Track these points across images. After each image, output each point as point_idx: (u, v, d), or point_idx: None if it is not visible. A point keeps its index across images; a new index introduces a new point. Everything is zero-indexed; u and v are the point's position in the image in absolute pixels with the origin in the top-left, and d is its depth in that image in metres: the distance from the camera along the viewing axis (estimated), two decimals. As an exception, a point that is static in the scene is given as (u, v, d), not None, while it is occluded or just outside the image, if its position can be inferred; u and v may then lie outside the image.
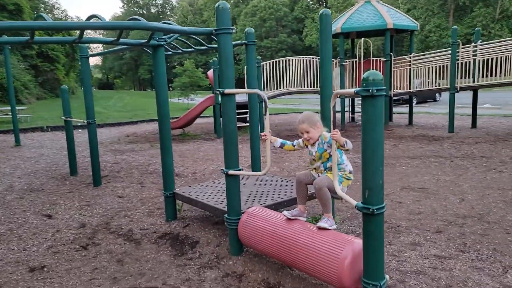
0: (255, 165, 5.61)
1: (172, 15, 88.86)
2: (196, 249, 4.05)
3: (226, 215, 3.81)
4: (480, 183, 6.08)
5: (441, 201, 5.27)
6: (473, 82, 11.21)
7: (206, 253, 3.94)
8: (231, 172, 3.66)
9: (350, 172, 3.36)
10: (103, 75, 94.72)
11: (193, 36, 5.34)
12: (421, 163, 7.59)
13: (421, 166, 7.36)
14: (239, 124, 12.76)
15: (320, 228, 3.10)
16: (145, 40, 4.27)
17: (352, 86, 12.95)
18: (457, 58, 10.89)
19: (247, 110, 13.34)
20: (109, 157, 9.45)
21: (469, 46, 11.24)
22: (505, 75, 10.42)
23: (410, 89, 12.55)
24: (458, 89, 11.09)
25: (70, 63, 38.70)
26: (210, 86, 28.89)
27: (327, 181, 3.22)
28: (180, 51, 5.66)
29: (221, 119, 12.98)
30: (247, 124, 13.44)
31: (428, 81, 11.95)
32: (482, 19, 45.56)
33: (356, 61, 12.86)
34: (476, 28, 12.23)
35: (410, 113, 13.62)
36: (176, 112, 23.04)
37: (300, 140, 3.50)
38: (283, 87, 12.61)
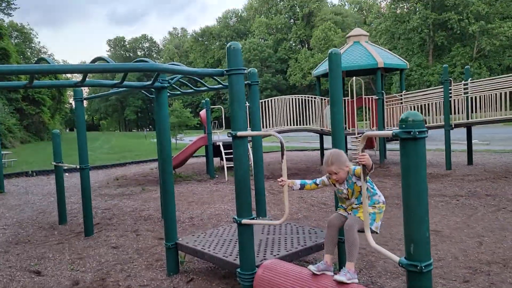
0: (261, 210, 5.29)
1: (159, 57, 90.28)
2: (204, 308, 3.65)
3: (238, 269, 3.45)
4: (493, 224, 5.84)
5: (458, 245, 4.99)
6: (467, 119, 11.26)
7: (216, 313, 3.54)
8: (244, 221, 3.34)
9: (384, 203, 3.19)
10: (89, 116, 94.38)
11: (194, 77, 5.17)
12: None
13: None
14: (229, 164, 12.54)
15: (337, 282, 2.81)
16: (149, 82, 4.04)
17: (346, 123, 12.89)
18: (449, 95, 10.98)
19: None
20: (99, 203, 8.98)
21: (460, 84, 11.38)
22: (501, 111, 10.49)
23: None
24: (453, 126, 11.09)
25: (56, 105, 38.42)
26: (198, 125, 28.88)
27: (358, 223, 3.01)
28: (179, 92, 5.45)
29: (222, 161, 12.58)
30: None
31: (425, 119, 11.97)
32: (460, 58, 47.33)
33: (347, 99, 12.89)
34: (466, 67, 12.46)
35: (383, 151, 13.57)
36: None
37: (325, 178, 3.33)
38: (272, 126, 12.49)
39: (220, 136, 13.70)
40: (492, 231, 5.47)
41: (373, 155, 14.76)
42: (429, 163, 13.00)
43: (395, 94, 12.90)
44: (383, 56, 12.57)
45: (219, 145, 11.98)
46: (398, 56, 13.74)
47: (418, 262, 2.20)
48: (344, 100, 12.82)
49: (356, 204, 3.17)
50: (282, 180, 3.17)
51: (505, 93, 10.51)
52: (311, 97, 12.88)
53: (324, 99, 12.91)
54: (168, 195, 4.38)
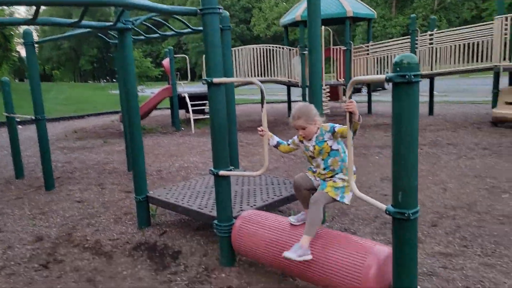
0: (234, 162, 5.16)
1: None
2: (179, 260, 3.57)
3: (215, 222, 3.36)
4: (456, 171, 6.05)
5: (424, 192, 5.14)
6: (431, 70, 11.41)
7: (192, 265, 3.47)
8: (222, 172, 3.20)
9: (354, 173, 2.93)
10: (40, 66, 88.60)
11: (159, 20, 4.78)
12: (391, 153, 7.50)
13: (388, 156, 7.26)
14: (196, 117, 12.23)
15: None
16: (111, 23, 3.65)
17: (312, 75, 12.76)
18: (416, 46, 11.01)
19: (206, 102, 12.83)
20: (59, 156, 8.55)
21: (426, 34, 11.40)
22: (460, 63, 10.68)
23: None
24: (360, 89, 11.22)
25: (2, 53, 35.55)
26: (160, 76, 27.74)
27: (326, 198, 2.83)
28: (143, 37, 5.02)
29: (187, 113, 12.22)
30: (206, 116, 12.91)
31: (387, 70, 12.03)
32: (422, 9, 47.62)
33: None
34: (432, 17, 12.46)
35: (369, 101, 13.71)
36: (125, 104, 21.86)
37: (295, 137, 3.05)
38: (239, 77, 12.17)
39: (185, 88, 13.23)
40: (455, 178, 5.67)
41: (338, 107, 14.86)
42: (383, 113, 13.26)
43: (361, 45, 12.80)
44: (352, 5, 12.30)
45: (184, 97, 11.58)
46: (366, 5, 13.51)
47: (406, 210, 2.16)
48: (311, 50, 12.61)
49: (324, 170, 2.90)
50: (262, 130, 3.02)
51: (464, 44, 10.66)
52: (278, 47, 12.55)
53: (292, 50, 12.61)
54: (137, 147, 4.14)
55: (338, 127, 2.84)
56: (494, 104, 9.77)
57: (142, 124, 10.61)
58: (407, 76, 2.03)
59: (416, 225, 2.22)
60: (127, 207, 5.06)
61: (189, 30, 4.48)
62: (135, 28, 4.42)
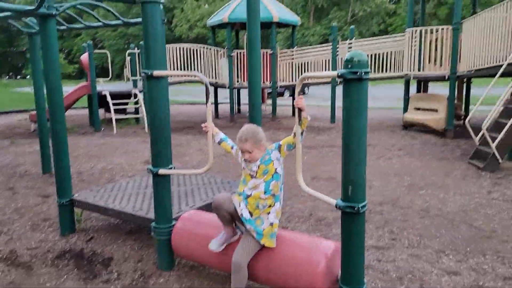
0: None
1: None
2: (111, 267, 3.31)
3: (153, 224, 3.17)
4: (378, 170, 6.45)
5: (352, 190, 5.38)
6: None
7: (126, 271, 3.23)
8: (162, 171, 3.03)
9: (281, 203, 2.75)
10: None
11: (85, 8, 4.43)
12: (318, 153, 7.80)
13: (320, 156, 7.55)
14: (118, 116, 11.60)
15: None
16: (32, 7, 3.28)
17: (238, 77, 12.82)
18: (337, 53, 11.60)
19: (127, 101, 12.24)
20: (-43, 158, 7.53)
21: (345, 43, 12.06)
22: (375, 71, 11.47)
23: (293, 81, 12.97)
24: (339, 83, 11.81)
25: None
26: (73, 74, 25.91)
27: (253, 252, 2.57)
28: (81, 25, 4.58)
29: (107, 112, 11.50)
30: (128, 116, 12.30)
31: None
32: (337, 21, 50.63)
33: (242, 52, 12.75)
34: (351, 27, 13.20)
35: (294, 105, 14.12)
36: (32, 103, 20.04)
37: (240, 152, 2.74)
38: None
39: (104, 86, 12.47)
40: (378, 176, 6.04)
41: (264, 110, 15.09)
42: (314, 118, 13.82)
43: (286, 50, 13.15)
44: (278, 10, 12.58)
45: (105, 95, 10.90)
46: (291, 12, 13.92)
47: (356, 203, 2.21)
48: (237, 53, 12.67)
49: (264, 195, 2.59)
50: (206, 126, 2.91)
51: (380, 54, 11.49)
52: (204, 48, 12.41)
53: (219, 51, 12.55)
54: (61, 146, 3.77)
55: (278, 144, 2.70)
56: (405, 109, 10.62)
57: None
58: (358, 73, 2.08)
59: (363, 218, 2.29)
60: (45, 213, 4.59)
61: (132, 21, 4.20)
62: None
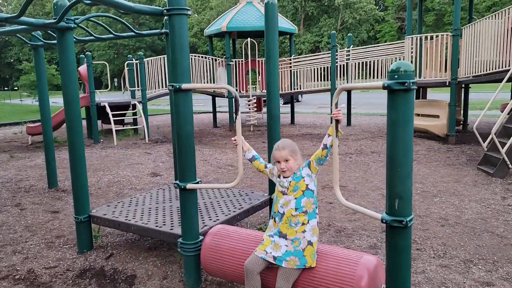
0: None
1: (5, 4, 76.81)
2: (136, 286, 3.21)
3: (180, 240, 3.08)
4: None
5: (365, 198, 5.36)
6: (347, 82, 12.14)
7: (152, 289, 3.14)
8: (190, 186, 2.95)
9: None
10: None
11: (97, 21, 4.37)
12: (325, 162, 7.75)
13: (326, 164, 7.50)
14: (117, 127, 11.48)
15: None
16: (52, 20, 3.20)
17: (236, 86, 12.79)
18: (336, 60, 11.65)
19: (126, 112, 12.12)
20: (-44, 174, 7.34)
21: (343, 50, 12.14)
22: (375, 77, 11.53)
23: (291, 89, 12.99)
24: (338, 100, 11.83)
25: None
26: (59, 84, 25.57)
27: (293, 276, 2.47)
28: (92, 38, 4.49)
29: (103, 124, 11.43)
30: (126, 128, 12.18)
31: (308, 84, 12.55)
32: (327, 28, 51.10)
33: (240, 61, 12.74)
34: (348, 34, 13.31)
35: (292, 113, 14.14)
36: (24, 114, 19.85)
37: (275, 168, 2.72)
38: (155, 88, 11.76)
39: (102, 97, 12.34)
40: (389, 185, 6.00)
41: (261, 118, 15.07)
42: (313, 125, 13.84)
43: (284, 58, 13.18)
44: (274, 19, 12.62)
45: (104, 106, 10.77)
46: (288, 21, 13.98)
47: (403, 217, 2.16)
48: (236, 62, 12.66)
49: (295, 211, 2.53)
50: (236, 139, 2.85)
51: (378, 61, 11.57)
52: (203, 57, 12.38)
53: (216, 60, 12.53)
54: (78, 160, 3.68)
55: (308, 162, 2.67)
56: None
57: (54, 135, 9.77)
58: (406, 84, 2.04)
59: (410, 232, 2.23)
60: (57, 229, 4.47)
61: (154, 32, 4.15)
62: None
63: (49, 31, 4.56)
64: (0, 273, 3.44)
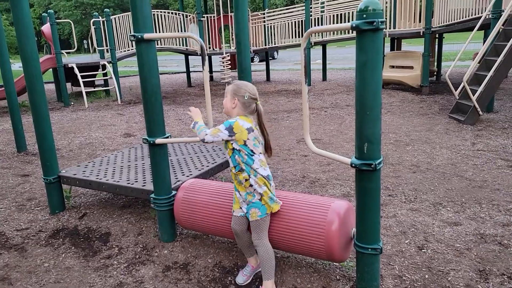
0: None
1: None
2: (111, 243, 3.19)
3: (152, 195, 3.05)
4: (362, 129, 6.48)
5: (339, 150, 5.41)
6: (322, 37, 11.96)
7: (127, 246, 3.13)
8: (159, 140, 2.88)
9: (270, 179, 2.46)
10: None
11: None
12: (300, 116, 7.75)
13: (301, 119, 7.50)
14: (87, 90, 11.09)
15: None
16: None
17: (209, 43, 12.44)
18: (310, 14, 11.38)
19: (96, 73, 11.69)
20: None
21: (318, 2, 11.84)
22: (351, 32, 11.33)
23: (266, 45, 12.73)
24: (313, 44, 11.67)
25: None
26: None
27: (265, 225, 2.46)
28: None
29: (73, 86, 11.01)
30: (97, 89, 11.79)
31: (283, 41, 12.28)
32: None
33: (211, 16, 12.31)
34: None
35: (267, 70, 13.94)
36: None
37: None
38: (124, 48, 11.30)
39: (70, 59, 11.82)
40: (363, 136, 6.06)
41: (235, 76, 14.83)
42: (289, 81, 13.72)
43: (257, 13, 12.80)
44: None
45: (72, 67, 10.33)
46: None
47: (372, 161, 2.16)
48: (207, 17, 12.23)
49: (234, 171, 2.43)
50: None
51: (351, 12, 11.37)
52: (171, 13, 11.89)
53: (188, 16, 12.06)
54: (42, 119, 3.52)
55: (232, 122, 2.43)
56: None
57: (20, 100, 9.44)
58: (374, 23, 1.97)
59: (379, 175, 2.24)
60: (28, 192, 4.36)
61: None
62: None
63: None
64: (-31, 238, 3.36)
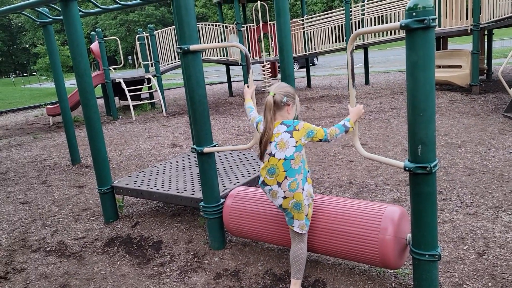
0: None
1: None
2: (163, 251, 3.26)
3: (202, 203, 3.09)
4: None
5: (387, 154, 5.25)
6: (363, 40, 11.75)
7: (179, 253, 3.19)
8: (206, 149, 2.93)
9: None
10: None
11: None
12: (343, 121, 7.61)
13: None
14: (134, 103, 11.53)
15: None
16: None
17: (249, 52, 12.58)
18: (350, 17, 11.24)
19: (141, 86, 12.13)
20: (-16, 157, 7.56)
21: (358, 5, 11.67)
22: (393, 34, 11.09)
23: (305, 52, 12.68)
24: (354, 48, 11.48)
25: None
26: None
27: (302, 239, 2.44)
28: (98, 9, 4.40)
29: (121, 100, 11.56)
30: (143, 102, 12.23)
31: (323, 46, 12.18)
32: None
33: (251, 26, 12.44)
34: (361, -11, 12.78)
35: (308, 76, 13.87)
36: (44, 97, 20.17)
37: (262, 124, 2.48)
38: (167, 60, 11.62)
39: (116, 74, 12.34)
40: (411, 139, 5.86)
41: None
42: (330, 86, 13.58)
43: (296, 20, 12.80)
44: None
45: (119, 82, 10.79)
46: (297, -21, 13.47)
47: (427, 163, 2.08)
48: (246, 27, 12.38)
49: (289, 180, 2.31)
50: (248, 87, 2.78)
51: (394, 13, 11.11)
52: (213, 25, 12.15)
53: (227, 27, 12.28)
54: (96, 133, 3.69)
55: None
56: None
57: (73, 115, 9.95)
58: (425, 21, 1.90)
59: (435, 178, 2.15)
60: (84, 203, 4.57)
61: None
62: None
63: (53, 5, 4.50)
64: (32, 247, 3.56)
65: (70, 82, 23.24)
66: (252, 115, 2.67)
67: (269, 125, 2.35)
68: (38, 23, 5.48)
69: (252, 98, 2.81)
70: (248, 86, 2.80)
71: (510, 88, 6.13)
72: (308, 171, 2.47)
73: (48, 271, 3.12)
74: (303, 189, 2.35)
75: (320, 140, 2.39)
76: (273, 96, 2.36)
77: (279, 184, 2.33)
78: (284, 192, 2.33)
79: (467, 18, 9.11)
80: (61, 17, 4.75)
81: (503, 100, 7.61)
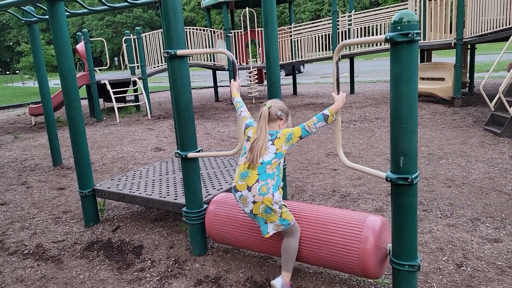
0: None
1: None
2: (143, 256, 3.22)
3: (184, 209, 3.07)
4: (393, 142, 6.35)
5: (370, 164, 5.31)
6: (349, 50, 11.90)
7: (159, 259, 3.15)
8: (191, 154, 2.91)
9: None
10: None
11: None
12: (328, 129, 7.69)
13: (330, 132, 7.45)
14: (119, 105, 11.41)
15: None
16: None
17: (236, 58, 12.59)
18: (337, 27, 11.37)
19: (127, 89, 12.02)
20: (-38, 156, 7.37)
21: (345, 16, 11.83)
22: (379, 44, 11.26)
23: (292, 59, 12.77)
24: (340, 57, 11.61)
25: None
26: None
27: (291, 232, 2.50)
28: (85, 10, 4.36)
29: (105, 102, 11.40)
30: (128, 105, 12.11)
31: (310, 54, 12.29)
32: (327, -4, 49.83)
33: (239, 32, 12.49)
34: (350, -1, 12.95)
35: (294, 83, 13.96)
36: (27, 97, 19.83)
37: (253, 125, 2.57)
38: (154, 63, 11.58)
39: (102, 76, 12.22)
40: (394, 149, 5.94)
41: (262, 90, 14.90)
42: (316, 94, 13.68)
43: (284, 27, 12.90)
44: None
45: (104, 84, 10.67)
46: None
47: (409, 175, 2.11)
48: (234, 33, 12.42)
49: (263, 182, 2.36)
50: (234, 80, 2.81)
51: (381, 24, 11.29)
52: (201, 29, 12.14)
53: (215, 32, 12.29)
54: (79, 134, 3.64)
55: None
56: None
57: (56, 115, 9.76)
58: (410, 35, 1.94)
59: (416, 189, 2.19)
60: (64, 205, 4.49)
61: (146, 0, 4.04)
62: None
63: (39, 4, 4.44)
64: (9, 249, 3.48)
65: (54, 82, 22.89)
66: (242, 113, 2.71)
67: (263, 134, 2.42)
68: (23, 21, 5.40)
69: (238, 91, 2.86)
70: (234, 79, 2.81)
71: (491, 102, 6.28)
72: (282, 183, 2.49)
73: (25, 275, 3.05)
74: (273, 195, 2.36)
75: (301, 137, 2.45)
76: (269, 108, 2.41)
77: (249, 189, 2.36)
78: (253, 196, 2.36)
79: (451, 32, 9.32)
80: (47, 16, 4.69)
81: (484, 114, 7.79)
